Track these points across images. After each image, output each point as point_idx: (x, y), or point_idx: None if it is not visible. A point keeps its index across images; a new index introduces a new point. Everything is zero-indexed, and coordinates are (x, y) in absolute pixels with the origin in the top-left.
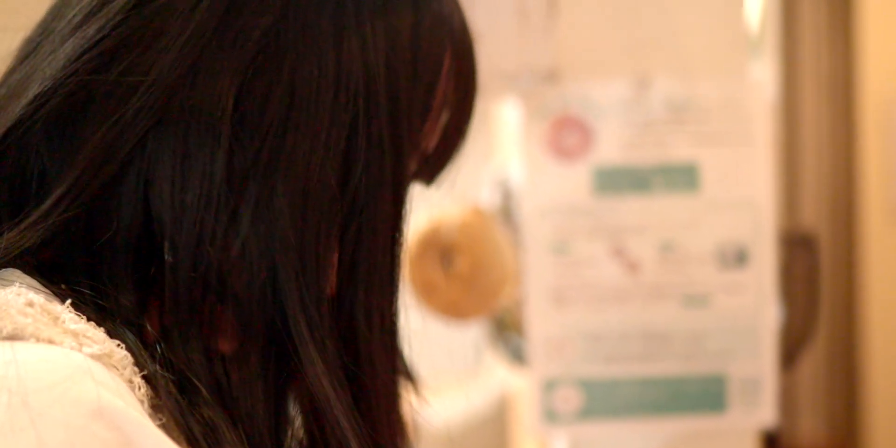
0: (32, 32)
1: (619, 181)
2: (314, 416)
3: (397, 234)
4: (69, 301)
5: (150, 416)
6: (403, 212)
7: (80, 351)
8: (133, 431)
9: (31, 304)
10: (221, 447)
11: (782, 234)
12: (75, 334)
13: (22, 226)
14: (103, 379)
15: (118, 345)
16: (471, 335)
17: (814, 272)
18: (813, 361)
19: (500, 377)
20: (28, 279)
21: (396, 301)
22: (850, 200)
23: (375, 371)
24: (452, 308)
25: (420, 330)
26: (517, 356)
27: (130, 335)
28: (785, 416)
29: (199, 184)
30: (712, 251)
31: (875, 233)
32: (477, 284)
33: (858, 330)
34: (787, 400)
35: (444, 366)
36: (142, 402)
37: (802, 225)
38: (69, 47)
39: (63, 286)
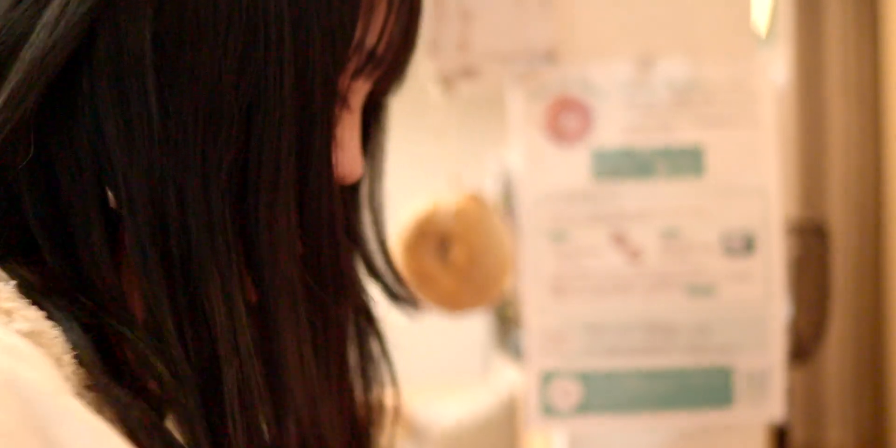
0: None
1: (620, 165)
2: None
3: (304, 145)
4: (14, 282)
5: (80, 394)
6: (316, 124)
7: (7, 326)
8: (42, 406)
9: None
10: (156, 431)
11: (795, 222)
12: (8, 312)
13: None
14: (26, 354)
15: (53, 326)
16: (478, 335)
17: (825, 263)
18: (839, 363)
19: (508, 377)
20: None
21: (313, 216)
22: (876, 194)
23: (277, 286)
24: (449, 299)
25: (427, 333)
26: (518, 351)
27: (73, 320)
28: (810, 422)
29: (139, 130)
30: (718, 239)
31: None
32: (474, 275)
33: (884, 328)
34: (812, 403)
35: (451, 367)
36: (68, 379)
37: (817, 215)
38: None
39: (15, 259)
